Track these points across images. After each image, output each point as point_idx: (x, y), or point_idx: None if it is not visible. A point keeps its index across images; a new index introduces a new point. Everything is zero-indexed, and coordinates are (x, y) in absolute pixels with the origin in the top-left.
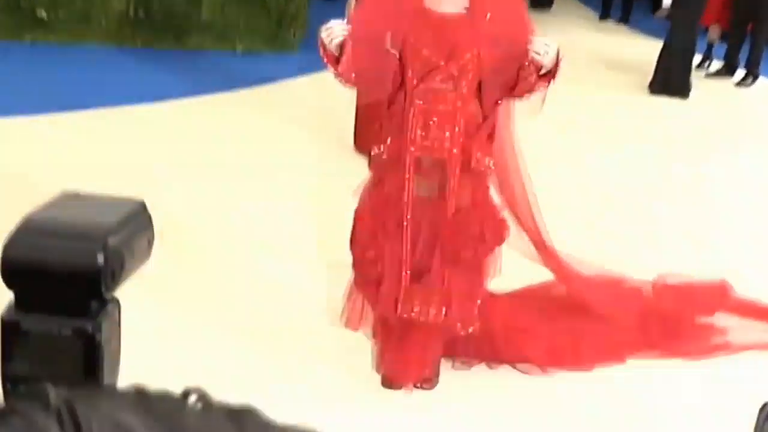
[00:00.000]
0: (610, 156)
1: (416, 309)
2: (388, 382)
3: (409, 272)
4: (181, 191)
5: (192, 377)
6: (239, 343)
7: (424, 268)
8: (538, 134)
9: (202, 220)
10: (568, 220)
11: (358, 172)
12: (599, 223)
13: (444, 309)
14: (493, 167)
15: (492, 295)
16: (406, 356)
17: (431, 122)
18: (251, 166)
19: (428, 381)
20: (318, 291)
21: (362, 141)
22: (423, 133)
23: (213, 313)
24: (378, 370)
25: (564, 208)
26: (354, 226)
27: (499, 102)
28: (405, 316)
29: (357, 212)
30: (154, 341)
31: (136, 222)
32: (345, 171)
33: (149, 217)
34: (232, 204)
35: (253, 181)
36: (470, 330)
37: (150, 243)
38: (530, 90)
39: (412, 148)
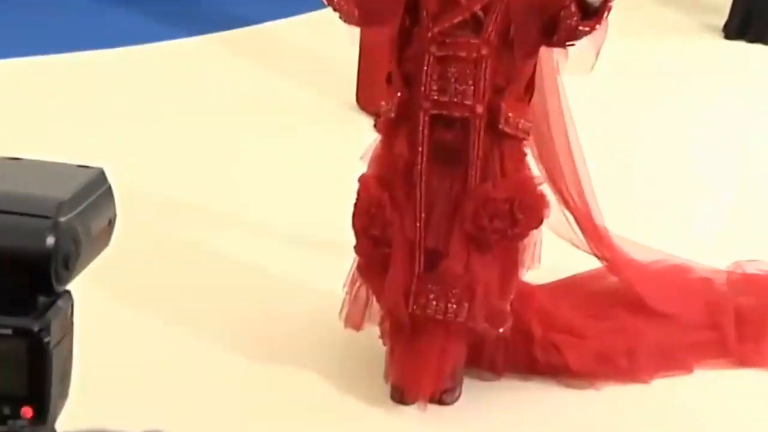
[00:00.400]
0: (674, 117)
1: (431, 304)
2: (398, 395)
3: (422, 257)
4: (150, 157)
5: (162, 397)
6: (221, 351)
7: (442, 253)
8: (587, 92)
9: (176, 192)
10: (623, 196)
11: (361, 133)
12: (662, 200)
13: (466, 304)
14: (529, 131)
15: (527, 289)
16: (420, 363)
17: (450, 73)
18: (233, 127)
19: (448, 393)
20: (315, 280)
21: (367, 95)
22: (440, 87)
23: (188, 310)
24: (387, 380)
25: (620, 181)
26: (357, 198)
27: (537, 51)
28: (417, 312)
29: (361, 180)
30: (115, 344)
31: (95, 195)
32: (346, 132)
33: (110, 189)
34: (212, 173)
35: (237, 145)
36: (500, 331)
37: (111, 222)
38: (573, 36)
39: (427, 104)
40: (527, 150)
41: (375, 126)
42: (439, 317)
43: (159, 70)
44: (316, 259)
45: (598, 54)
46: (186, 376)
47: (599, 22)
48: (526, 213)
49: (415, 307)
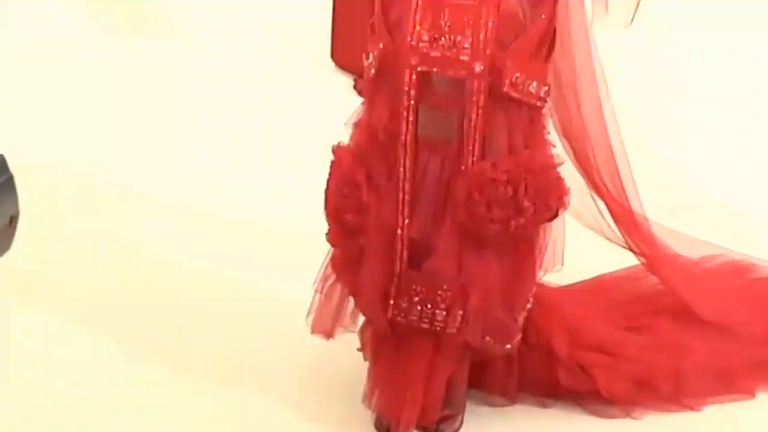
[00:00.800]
0: (733, 82)
1: (415, 309)
2: (383, 425)
3: (405, 251)
4: (83, 128)
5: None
6: (161, 371)
7: (429, 246)
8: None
9: (112, 170)
10: (665, 179)
11: (338, 96)
12: (714, 182)
13: (459, 313)
14: (547, 97)
15: (548, 294)
16: (402, 384)
17: (443, 22)
18: (188, 93)
19: (447, 423)
20: (280, 280)
21: (343, 50)
22: (430, 37)
23: (128, 324)
24: (367, 405)
25: (661, 160)
26: (329, 174)
27: None
28: (399, 319)
29: (335, 152)
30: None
31: None
32: (320, 95)
33: (11, 180)
34: (162, 148)
35: (189, 113)
36: (507, 348)
37: (14, 220)
38: None
39: (414, 59)
40: (548, 121)
41: (355, 86)
42: (425, 326)
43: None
44: (285, 252)
45: (638, 4)
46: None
47: None
48: (535, 200)
49: (395, 312)
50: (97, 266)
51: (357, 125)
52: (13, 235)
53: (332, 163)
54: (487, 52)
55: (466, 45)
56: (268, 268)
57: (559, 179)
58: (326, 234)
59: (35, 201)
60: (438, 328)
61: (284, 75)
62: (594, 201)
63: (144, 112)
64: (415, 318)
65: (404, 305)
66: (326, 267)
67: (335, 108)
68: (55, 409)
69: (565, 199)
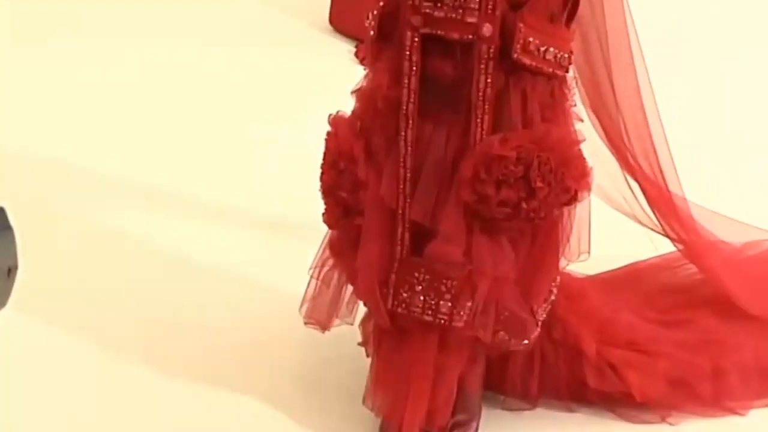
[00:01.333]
0: None
1: (418, 299)
2: (388, 429)
3: (406, 234)
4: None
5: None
6: (160, 368)
7: (433, 228)
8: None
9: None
10: (707, 156)
11: (338, 63)
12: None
13: (468, 304)
14: (568, 65)
15: (574, 285)
16: (406, 384)
17: None
18: (184, 59)
19: (460, 428)
20: (274, 270)
21: (342, 13)
22: None
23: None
24: (368, 406)
25: (704, 137)
26: (325, 146)
27: None
28: (400, 310)
29: (331, 122)
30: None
31: None
32: (318, 61)
33: (11, 233)
34: (155, 118)
35: (183, 89)
36: (524, 343)
37: (12, 273)
38: None
39: (416, 20)
40: (573, 92)
41: (356, 53)
42: (428, 318)
43: None
44: (284, 242)
45: None
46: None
47: None
48: (550, 180)
49: (395, 303)
50: (83, 266)
51: (358, 93)
52: (11, 288)
53: (328, 133)
54: (497, 13)
55: (473, 5)
56: (267, 259)
57: (580, 157)
58: (322, 214)
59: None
60: (443, 321)
61: (280, 38)
62: (627, 182)
63: (137, 83)
64: (417, 309)
65: (405, 295)
66: (323, 251)
67: (333, 74)
68: (45, 413)
69: (587, 180)
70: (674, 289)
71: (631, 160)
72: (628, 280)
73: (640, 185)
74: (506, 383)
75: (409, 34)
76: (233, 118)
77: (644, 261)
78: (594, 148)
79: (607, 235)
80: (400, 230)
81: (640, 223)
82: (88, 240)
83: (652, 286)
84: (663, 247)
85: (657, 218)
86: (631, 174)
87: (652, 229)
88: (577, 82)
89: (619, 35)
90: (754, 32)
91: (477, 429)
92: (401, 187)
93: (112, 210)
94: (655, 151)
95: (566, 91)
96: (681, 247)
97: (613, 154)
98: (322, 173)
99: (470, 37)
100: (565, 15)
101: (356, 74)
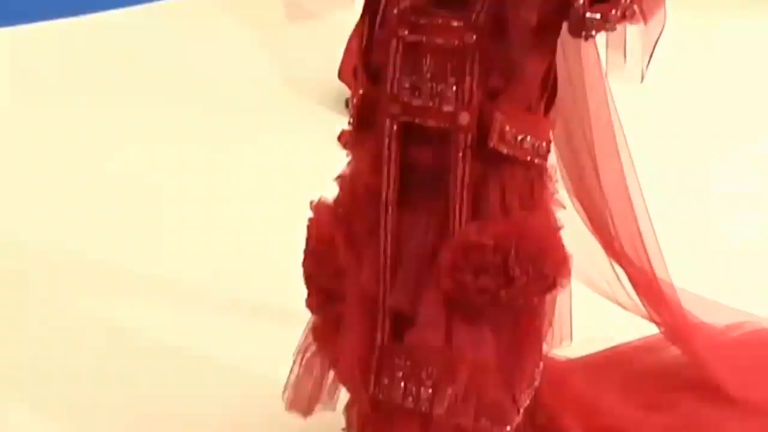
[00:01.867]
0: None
1: (398, 386)
2: None
3: (387, 321)
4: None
5: None
6: None
7: (413, 316)
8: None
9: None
10: (689, 236)
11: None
12: (745, 241)
13: (449, 390)
14: (545, 153)
15: (557, 369)
16: None
17: (425, 66)
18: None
19: None
20: (255, 351)
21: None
22: (412, 84)
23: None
24: None
25: (685, 216)
26: (307, 233)
27: (543, 40)
28: (381, 396)
29: (313, 209)
30: None
31: None
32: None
33: None
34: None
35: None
36: (506, 429)
37: None
38: (582, 26)
39: (394, 109)
40: (555, 179)
41: (339, 138)
42: (409, 405)
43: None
44: (262, 320)
45: (651, 55)
46: None
47: (615, 8)
48: (527, 268)
49: (376, 389)
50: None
51: (340, 180)
52: None
53: (310, 220)
54: (474, 102)
55: (449, 94)
56: (249, 343)
57: (559, 245)
58: (306, 299)
59: None
60: (424, 408)
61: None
62: (612, 266)
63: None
64: (397, 396)
65: (386, 382)
66: (306, 336)
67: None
68: None
69: (567, 267)
70: (657, 372)
71: (616, 246)
72: (611, 363)
73: (625, 271)
74: None
75: (388, 122)
76: (227, 191)
77: (626, 344)
78: (577, 234)
79: (590, 316)
80: (380, 317)
81: (623, 306)
82: (53, 325)
83: (635, 369)
84: (645, 328)
85: (642, 304)
86: (617, 260)
87: (634, 312)
88: (559, 169)
89: (604, 125)
90: (741, 121)
91: None
92: (381, 275)
93: (88, 296)
94: (641, 237)
95: (546, 178)
96: (663, 329)
97: (597, 239)
98: (304, 260)
99: (447, 125)
100: (542, 104)
101: None
